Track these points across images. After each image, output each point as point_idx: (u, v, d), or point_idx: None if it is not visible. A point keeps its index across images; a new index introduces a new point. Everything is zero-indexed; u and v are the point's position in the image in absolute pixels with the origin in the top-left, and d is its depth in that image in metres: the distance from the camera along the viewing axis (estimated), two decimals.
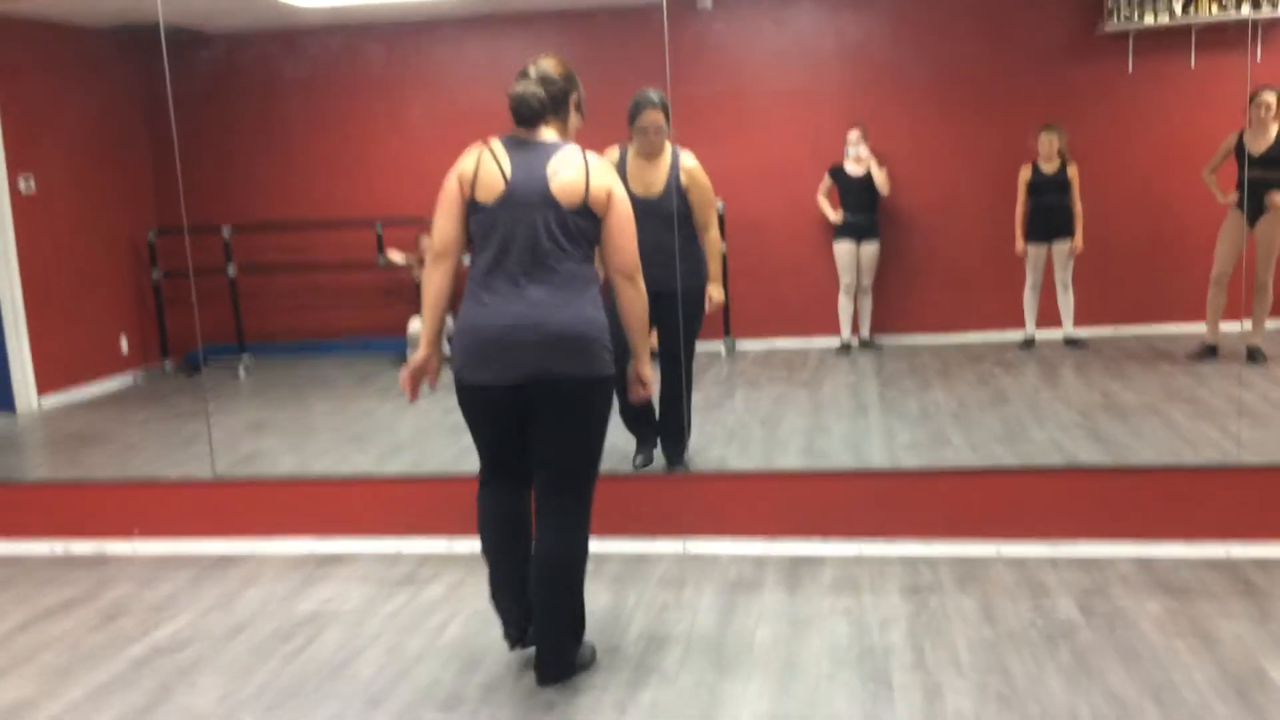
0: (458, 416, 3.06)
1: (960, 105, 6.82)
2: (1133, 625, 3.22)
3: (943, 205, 6.93)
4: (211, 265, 7.25)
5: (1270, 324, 5.85)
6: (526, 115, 2.95)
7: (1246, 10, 6.21)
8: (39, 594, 3.99)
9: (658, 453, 4.66)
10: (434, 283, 2.98)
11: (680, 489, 4.23)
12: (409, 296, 6.86)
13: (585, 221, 2.92)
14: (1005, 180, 6.59)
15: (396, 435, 5.55)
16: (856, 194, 6.84)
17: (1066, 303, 6.49)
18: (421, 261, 6.40)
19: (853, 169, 6.83)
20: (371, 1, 6.66)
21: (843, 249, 6.87)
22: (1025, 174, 6.53)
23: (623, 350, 3.12)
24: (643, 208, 4.14)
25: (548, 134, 2.98)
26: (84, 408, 6.77)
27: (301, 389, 6.84)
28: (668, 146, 4.41)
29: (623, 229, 2.95)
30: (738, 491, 4.18)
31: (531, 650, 3.14)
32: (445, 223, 2.96)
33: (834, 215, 6.90)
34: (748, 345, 7.09)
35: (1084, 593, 3.47)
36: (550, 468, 3.00)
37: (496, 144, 2.96)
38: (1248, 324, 5.76)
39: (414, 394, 3.09)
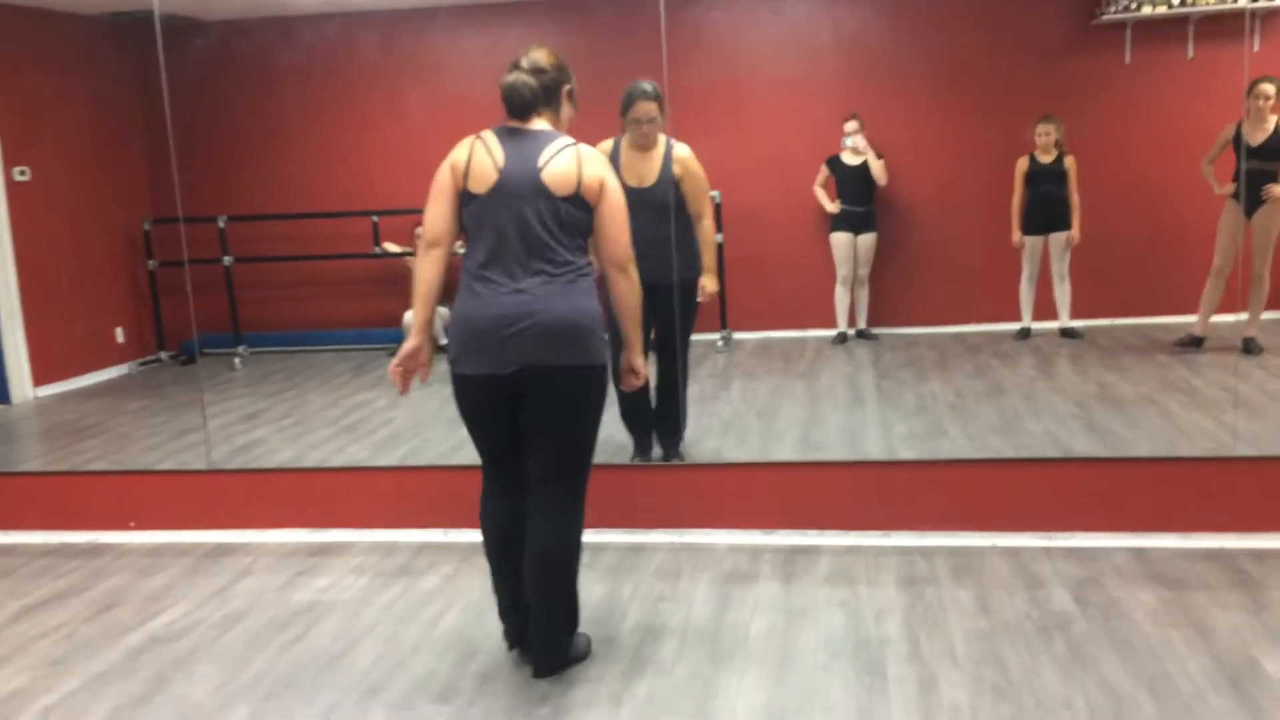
0: (454, 408, 3.06)
1: (957, 96, 6.81)
2: (1127, 616, 3.23)
3: (940, 196, 6.93)
4: (207, 255, 7.23)
5: (1266, 315, 5.85)
6: (518, 105, 2.94)
7: (1244, 0, 6.20)
8: (34, 584, 3.99)
9: (655, 451, 4.66)
10: (425, 272, 2.97)
11: (676, 480, 4.23)
12: (405, 287, 6.85)
13: (578, 211, 2.91)
14: (1002, 171, 6.59)
15: (392, 426, 5.55)
16: (853, 185, 6.83)
17: (1063, 294, 6.49)
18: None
19: (850, 159, 6.82)
20: None
21: (839, 240, 6.87)
22: (1022, 165, 6.53)
23: (617, 341, 3.13)
24: (636, 199, 4.13)
25: (540, 124, 2.98)
26: (79, 398, 6.77)
27: (297, 379, 6.83)
28: (661, 138, 4.40)
29: (614, 219, 2.95)
30: (734, 482, 4.18)
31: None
32: (437, 212, 2.96)
33: (831, 206, 6.89)
34: (744, 336, 7.10)
35: (1079, 584, 3.47)
36: (544, 458, 3.00)
37: (489, 135, 2.96)
38: (1244, 316, 5.77)
39: (404, 385, 3.05)
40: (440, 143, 3.07)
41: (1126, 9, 6.38)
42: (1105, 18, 6.43)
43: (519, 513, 3.05)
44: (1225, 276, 5.79)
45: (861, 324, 6.93)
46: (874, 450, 4.71)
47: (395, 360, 3.02)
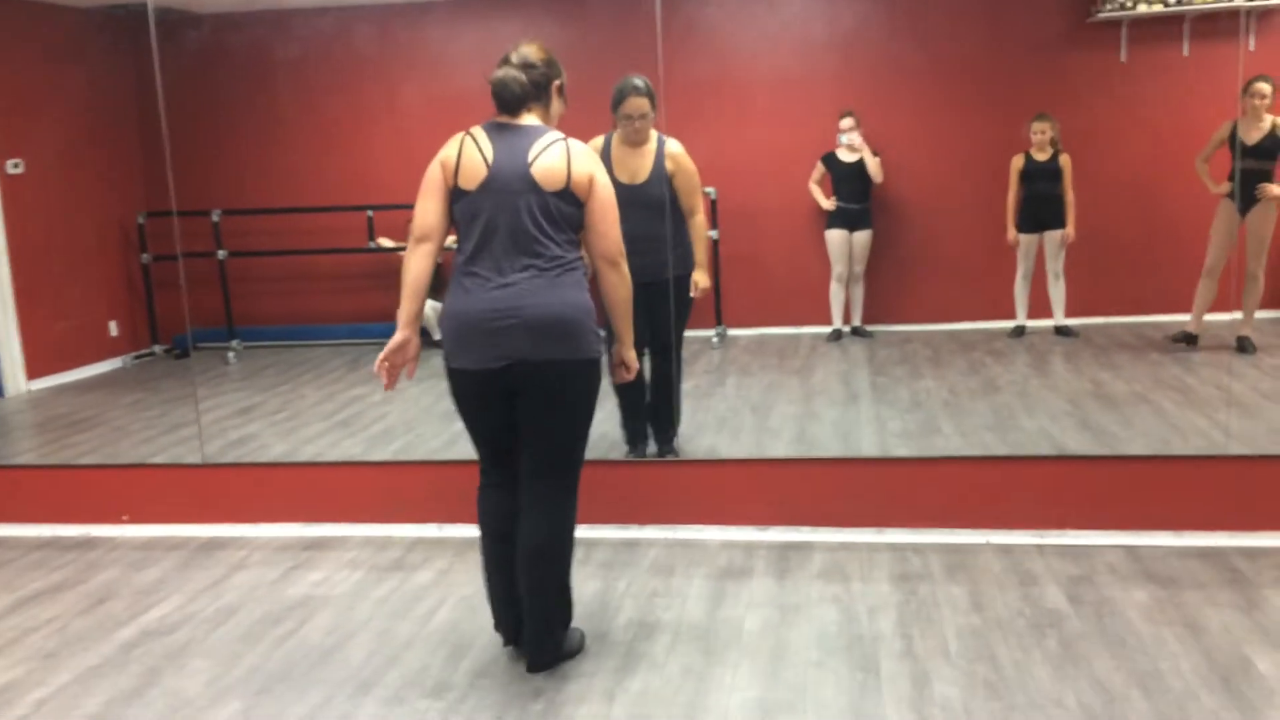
0: (448, 402, 3.06)
1: (953, 93, 6.81)
2: (1120, 614, 3.24)
3: (935, 194, 6.93)
4: (201, 249, 7.21)
5: (1260, 314, 5.86)
6: (508, 100, 2.94)
7: None
8: (27, 577, 3.98)
9: (650, 447, 4.66)
10: (414, 266, 2.97)
11: (671, 476, 4.23)
12: (399, 283, 6.83)
13: (568, 206, 2.91)
14: (998, 169, 6.59)
15: (387, 421, 5.54)
16: (849, 181, 6.83)
17: (1058, 292, 6.50)
18: None
19: (845, 156, 6.82)
20: None
21: (835, 237, 6.87)
22: (1018, 163, 6.53)
23: (612, 336, 3.13)
24: (628, 195, 4.13)
25: (530, 119, 2.98)
26: (73, 391, 6.75)
27: (291, 374, 6.82)
28: (653, 134, 4.39)
29: (605, 214, 2.95)
30: (728, 479, 4.18)
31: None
32: (427, 207, 2.96)
33: (826, 203, 6.89)
34: (739, 333, 7.09)
35: (1072, 581, 3.48)
36: (536, 452, 3.00)
37: (478, 131, 2.96)
38: (1238, 315, 5.78)
39: (390, 381, 3.02)
40: (436, 137, 3.07)
41: (1122, 7, 6.38)
42: (1100, 15, 6.43)
43: (517, 511, 3.05)
44: (1218, 275, 5.80)
45: (856, 321, 6.94)
46: (868, 447, 4.71)
47: (382, 355, 3.00)
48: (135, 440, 5.48)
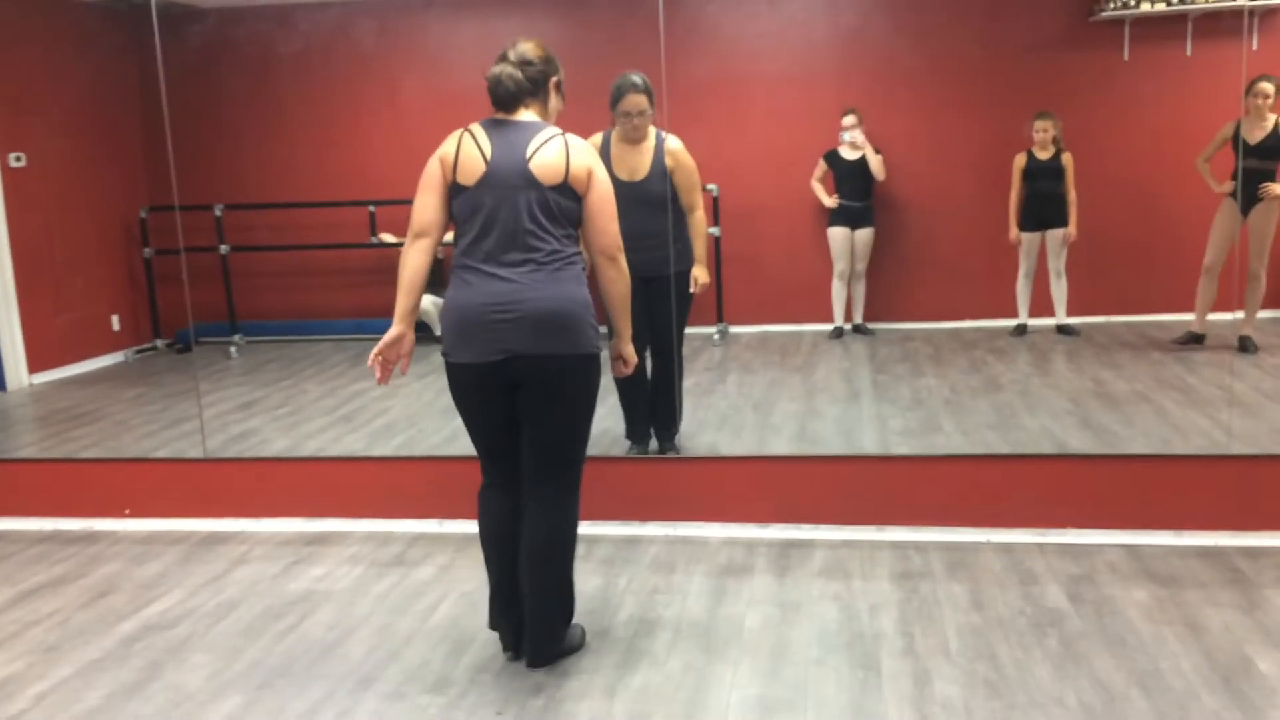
0: (449, 398, 3.06)
1: (955, 91, 6.81)
2: (1120, 613, 3.24)
3: (937, 192, 6.92)
4: (203, 243, 7.22)
5: (1262, 314, 5.86)
6: (503, 96, 2.95)
7: None
8: (29, 571, 3.98)
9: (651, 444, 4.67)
10: (411, 261, 2.97)
11: (672, 473, 4.23)
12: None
13: (566, 201, 2.91)
14: (1000, 167, 6.59)
15: (388, 416, 5.54)
16: (851, 179, 6.83)
17: (1060, 291, 6.50)
18: None
19: (848, 154, 6.82)
20: None
21: (837, 234, 6.87)
22: (1020, 161, 6.53)
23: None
24: (628, 192, 4.13)
25: (527, 116, 2.98)
26: (75, 385, 6.75)
27: (293, 369, 6.83)
28: (651, 130, 4.38)
29: (603, 209, 2.95)
30: (729, 476, 4.18)
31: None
32: (425, 202, 2.97)
33: (828, 201, 6.89)
34: (740, 330, 7.10)
35: (1073, 580, 3.48)
36: (538, 448, 3.00)
37: (476, 127, 2.97)
38: (1240, 314, 5.78)
39: (383, 375, 3.02)
40: (437, 132, 3.07)
41: (1125, 5, 6.38)
42: (1104, 14, 6.42)
43: (517, 511, 3.05)
44: (1217, 273, 5.79)
45: (858, 319, 6.94)
46: (869, 445, 4.71)
47: (376, 349, 3.00)
48: (137, 435, 5.48)
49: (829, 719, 2.74)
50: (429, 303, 6.20)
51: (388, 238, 7.13)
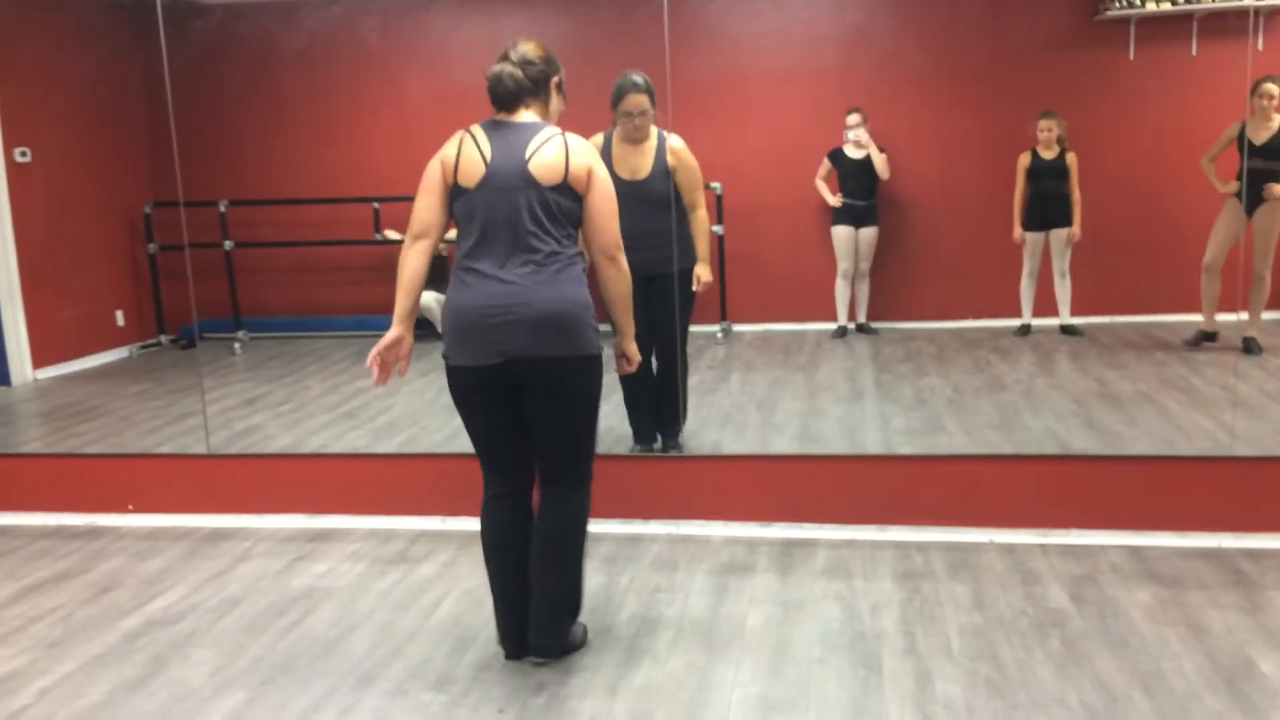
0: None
1: (960, 90, 6.80)
2: (1123, 614, 3.24)
3: (941, 191, 6.92)
4: (207, 239, 7.23)
5: (1267, 315, 5.85)
6: (503, 96, 2.95)
7: None
8: (33, 566, 3.99)
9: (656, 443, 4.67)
10: (410, 263, 2.98)
11: (674, 471, 4.23)
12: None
13: (566, 201, 2.91)
14: (1004, 167, 6.58)
15: (391, 413, 5.55)
16: (856, 178, 6.82)
17: (1064, 291, 6.49)
18: None
19: (852, 153, 6.81)
20: None
21: (841, 233, 6.86)
22: (1024, 161, 6.52)
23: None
24: (630, 192, 4.13)
25: (528, 116, 2.97)
26: (79, 381, 6.77)
27: (297, 365, 6.83)
28: (653, 130, 4.38)
29: (603, 208, 2.94)
30: (732, 475, 4.18)
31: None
32: (425, 204, 2.97)
33: (833, 199, 6.89)
34: (744, 328, 7.09)
35: (1075, 581, 3.48)
36: (546, 447, 3.02)
37: (477, 129, 2.97)
38: (1244, 315, 5.77)
39: (381, 377, 3.02)
40: (442, 130, 3.07)
41: (1130, 5, 6.37)
42: (1109, 13, 6.42)
43: (519, 520, 3.06)
44: (1217, 270, 5.79)
45: (861, 318, 6.93)
46: (872, 444, 4.71)
47: (375, 350, 3.00)
48: (141, 430, 5.49)
49: (830, 718, 2.74)
50: (431, 299, 6.21)
51: (391, 234, 7.14)
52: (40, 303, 6.84)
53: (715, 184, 6.85)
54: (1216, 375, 5.49)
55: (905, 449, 4.60)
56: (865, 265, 6.88)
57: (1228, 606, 3.26)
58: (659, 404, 4.60)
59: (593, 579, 3.62)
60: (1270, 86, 5.65)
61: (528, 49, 2.98)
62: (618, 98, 4.26)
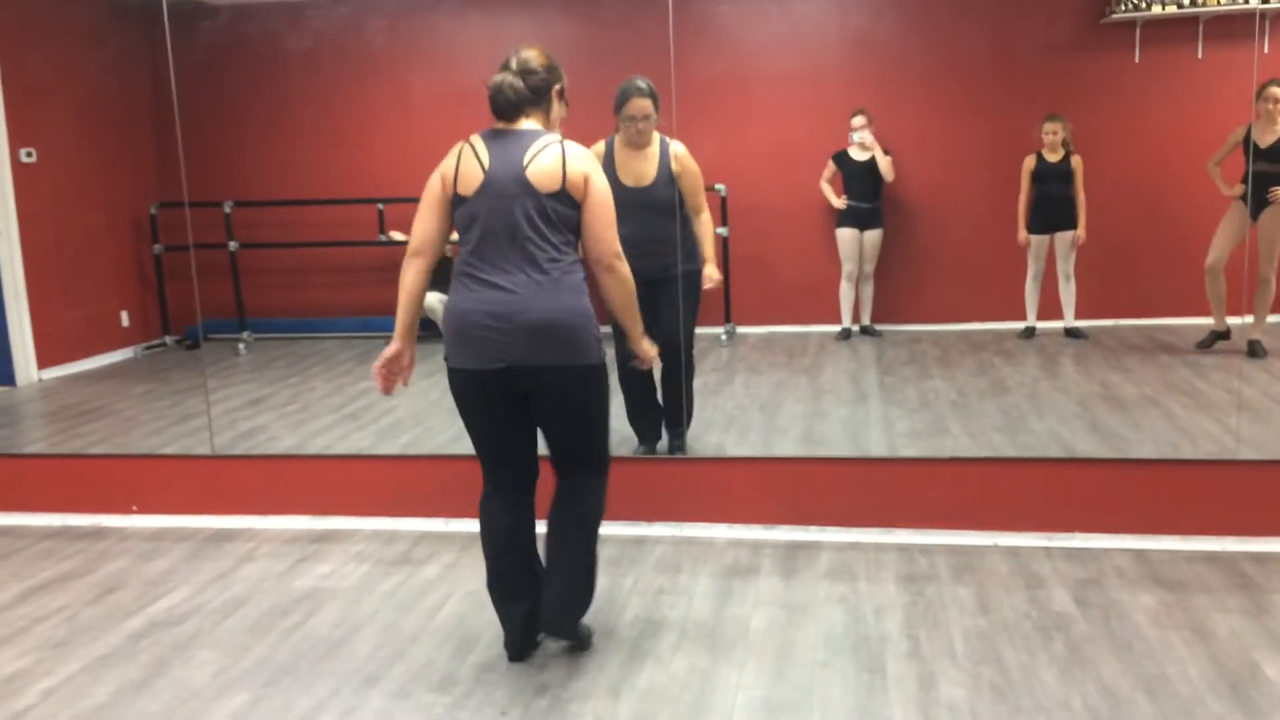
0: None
1: (965, 92, 6.79)
2: (1127, 618, 3.23)
3: (946, 193, 6.91)
4: (212, 240, 7.23)
5: (1271, 318, 5.84)
6: (503, 106, 2.95)
7: (1254, 1, 6.18)
8: (37, 567, 4.00)
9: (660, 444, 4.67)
10: (408, 280, 3.00)
11: (679, 473, 4.23)
12: None
13: (564, 208, 2.91)
14: (1009, 169, 6.57)
15: (395, 415, 5.55)
16: (860, 180, 6.82)
17: (1068, 294, 6.48)
18: None
19: (857, 155, 6.81)
20: None
21: (845, 235, 6.86)
22: (1029, 163, 6.51)
23: (618, 334, 3.14)
24: (634, 198, 4.14)
25: (528, 124, 2.97)
26: (83, 381, 6.77)
27: (301, 366, 6.84)
28: (656, 136, 4.38)
29: (599, 216, 2.93)
30: (736, 477, 4.18)
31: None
32: (424, 221, 2.99)
33: (837, 201, 6.88)
34: (748, 330, 7.09)
35: (1079, 584, 3.47)
36: (559, 448, 3.07)
37: (476, 138, 2.98)
38: (1249, 319, 5.76)
39: (385, 387, 3.06)
40: (447, 131, 3.08)
41: (1136, 8, 6.36)
42: (1114, 16, 6.40)
43: (519, 525, 3.07)
44: (1220, 270, 5.77)
45: (865, 320, 6.93)
46: (876, 447, 4.71)
47: (378, 363, 3.04)
48: (145, 431, 5.50)
49: None
50: (434, 299, 6.21)
51: (396, 235, 7.14)
52: (45, 303, 6.85)
53: (720, 186, 6.85)
54: (1221, 379, 5.48)
55: (909, 451, 4.60)
56: (869, 267, 6.88)
57: (1233, 610, 3.26)
58: (666, 406, 4.60)
59: (597, 580, 3.61)
60: (1276, 90, 5.64)
61: (529, 56, 2.98)
62: (621, 102, 4.26)
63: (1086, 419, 4.96)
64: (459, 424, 3.08)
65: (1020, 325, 6.61)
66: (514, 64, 2.97)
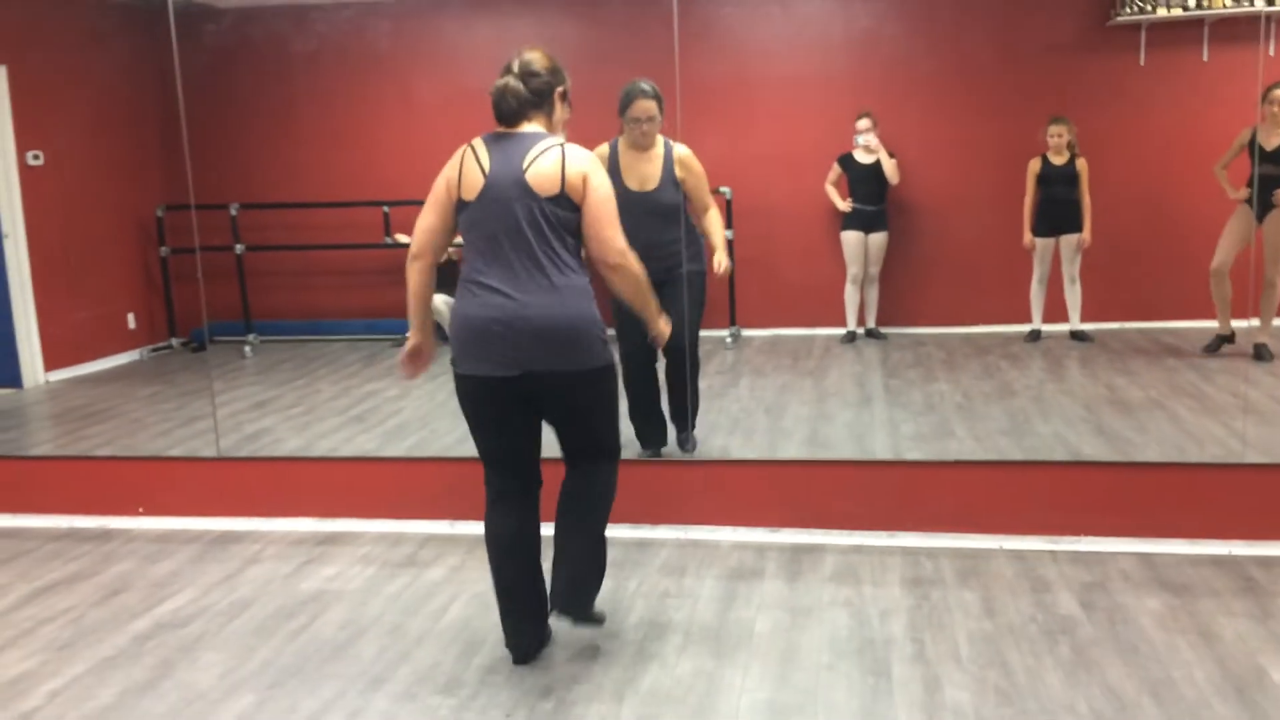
0: None
1: (970, 95, 6.79)
2: (1133, 621, 3.23)
3: (951, 196, 6.91)
4: (219, 243, 7.25)
5: (1277, 321, 5.83)
6: (505, 111, 2.96)
7: (1260, 3, 6.17)
8: (44, 568, 4.01)
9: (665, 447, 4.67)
10: (412, 281, 3.05)
11: (683, 476, 4.23)
12: None
13: (564, 211, 2.91)
14: (1014, 172, 6.57)
15: (401, 417, 5.55)
16: (865, 183, 6.82)
17: (1074, 297, 6.47)
18: None
19: (862, 157, 6.81)
20: None
21: (850, 238, 6.86)
22: (1034, 166, 6.51)
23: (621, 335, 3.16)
24: (638, 202, 4.14)
25: (531, 128, 2.97)
26: (90, 383, 6.79)
27: (307, 369, 6.85)
28: (660, 139, 4.38)
29: (599, 215, 2.91)
30: (741, 479, 4.18)
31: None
32: (426, 224, 3.02)
33: (842, 204, 6.88)
34: (753, 333, 7.09)
35: (1085, 588, 3.47)
36: (570, 443, 3.09)
37: (478, 142, 2.99)
38: (1255, 322, 5.75)
39: (412, 375, 3.21)
40: (453, 133, 3.09)
41: (1141, 10, 6.35)
42: (1120, 19, 6.40)
43: (525, 525, 3.07)
44: (1226, 274, 5.76)
45: (871, 323, 6.92)
46: (881, 450, 4.71)
47: (400, 357, 3.17)
48: (152, 433, 5.51)
49: None
50: (440, 302, 6.22)
51: (402, 238, 7.15)
52: (52, 305, 6.87)
53: (725, 189, 6.85)
54: (1228, 382, 5.47)
55: (914, 454, 4.59)
56: (875, 270, 6.87)
57: (1239, 614, 3.25)
58: (672, 405, 4.61)
59: (602, 583, 3.62)
60: None
61: (532, 59, 2.98)
62: (626, 103, 4.27)
63: (1092, 422, 4.96)
64: (465, 426, 3.08)
65: (1025, 328, 6.60)
66: (516, 67, 2.97)
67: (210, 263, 6.77)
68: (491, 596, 3.38)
